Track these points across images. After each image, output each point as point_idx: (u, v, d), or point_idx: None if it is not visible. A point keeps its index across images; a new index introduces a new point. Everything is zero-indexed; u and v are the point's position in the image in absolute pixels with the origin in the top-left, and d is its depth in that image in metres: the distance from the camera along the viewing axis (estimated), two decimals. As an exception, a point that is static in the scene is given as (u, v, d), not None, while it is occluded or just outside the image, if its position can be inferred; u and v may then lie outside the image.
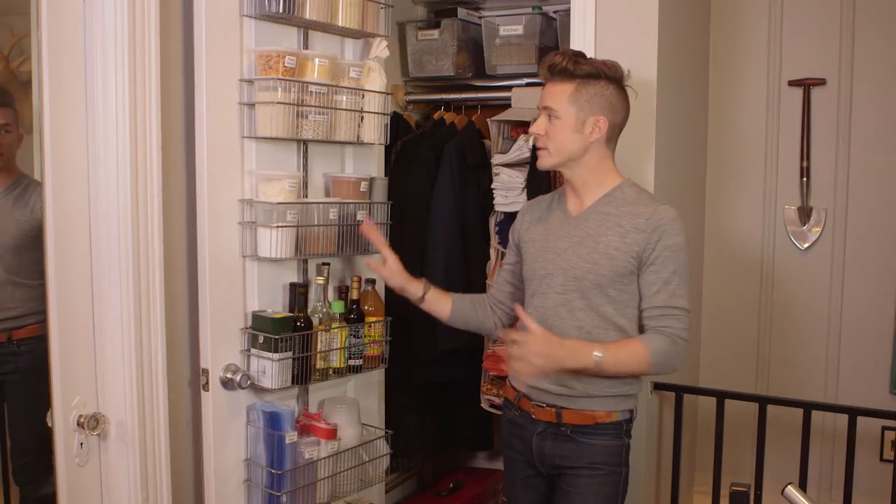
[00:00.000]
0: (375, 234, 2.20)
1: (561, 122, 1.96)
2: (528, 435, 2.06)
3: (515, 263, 2.20)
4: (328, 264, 2.25)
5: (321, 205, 2.17)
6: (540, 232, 2.09)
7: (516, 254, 2.20)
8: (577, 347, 1.90)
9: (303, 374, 2.10)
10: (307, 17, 2.09)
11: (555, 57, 1.99)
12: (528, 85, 2.93)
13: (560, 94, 1.96)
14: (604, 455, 1.99)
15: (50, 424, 1.74)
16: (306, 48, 2.19)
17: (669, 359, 1.91)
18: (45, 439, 1.75)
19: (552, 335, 1.90)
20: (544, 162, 2.03)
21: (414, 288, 2.18)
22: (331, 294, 2.30)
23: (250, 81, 2.04)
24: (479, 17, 3.15)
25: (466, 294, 2.29)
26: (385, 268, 2.18)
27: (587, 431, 1.99)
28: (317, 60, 2.11)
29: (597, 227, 1.98)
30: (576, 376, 1.96)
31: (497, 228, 2.87)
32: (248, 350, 2.08)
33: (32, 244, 1.75)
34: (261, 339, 2.05)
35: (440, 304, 2.20)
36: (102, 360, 1.83)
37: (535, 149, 2.69)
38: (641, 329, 1.97)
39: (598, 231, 1.98)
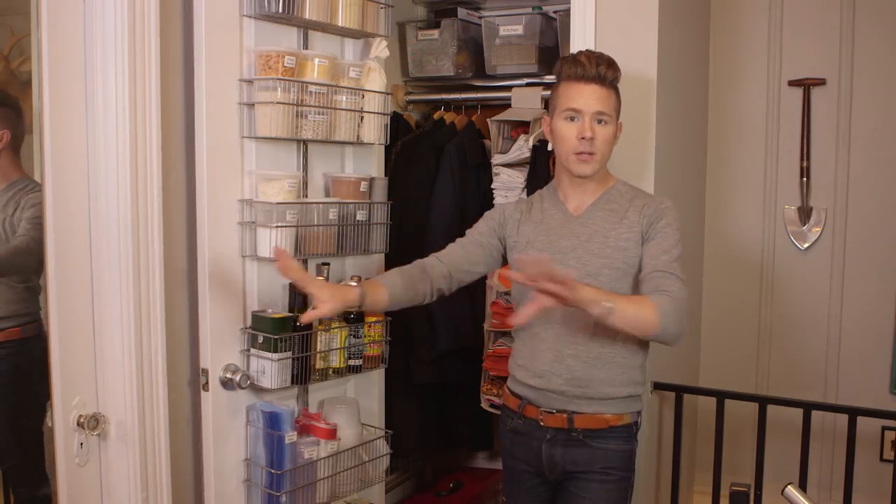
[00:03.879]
0: (293, 271, 1.86)
1: (608, 128, 1.97)
2: (535, 443, 2.01)
3: (484, 236, 2.11)
4: (328, 264, 2.24)
5: (321, 205, 2.17)
6: (535, 232, 2.04)
7: (492, 234, 2.10)
8: (595, 291, 1.80)
9: (302, 374, 2.10)
10: (307, 17, 2.09)
11: (601, 65, 1.95)
12: (527, 85, 2.93)
13: (608, 101, 1.97)
14: (617, 460, 1.98)
15: (50, 424, 1.74)
16: (306, 48, 2.19)
17: (674, 320, 1.83)
18: (30, 442, 1.73)
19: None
20: (591, 168, 1.98)
21: (350, 301, 1.94)
22: (331, 294, 2.29)
23: (250, 81, 2.04)
24: (479, 17, 3.15)
25: (398, 277, 2.04)
26: (320, 310, 1.87)
27: (599, 435, 1.97)
28: (316, 60, 2.11)
29: (603, 223, 1.99)
30: (589, 374, 1.94)
31: (497, 228, 2.86)
32: (248, 350, 2.08)
33: (25, 248, 1.73)
34: (260, 339, 2.05)
35: (377, 301, 1.99)
36: (102, 360, 1.83)
37: (534, 149, 2.71)
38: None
39: (605, 227, 1.99)
